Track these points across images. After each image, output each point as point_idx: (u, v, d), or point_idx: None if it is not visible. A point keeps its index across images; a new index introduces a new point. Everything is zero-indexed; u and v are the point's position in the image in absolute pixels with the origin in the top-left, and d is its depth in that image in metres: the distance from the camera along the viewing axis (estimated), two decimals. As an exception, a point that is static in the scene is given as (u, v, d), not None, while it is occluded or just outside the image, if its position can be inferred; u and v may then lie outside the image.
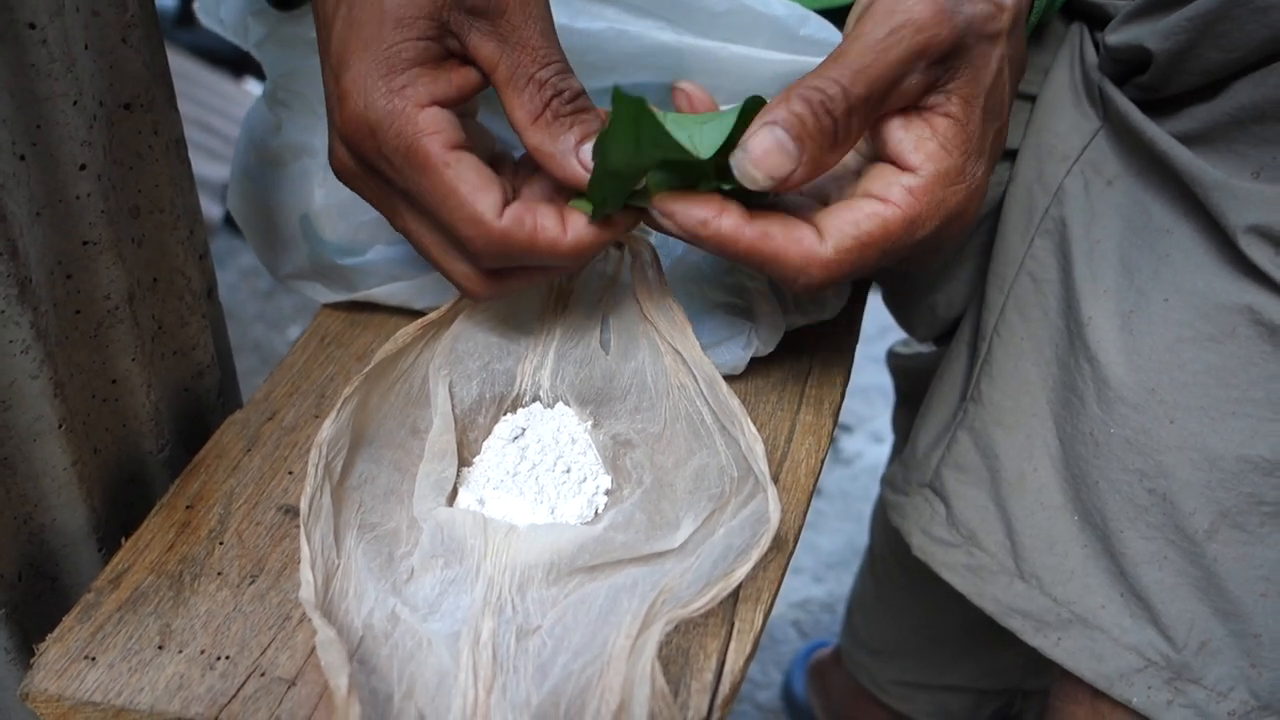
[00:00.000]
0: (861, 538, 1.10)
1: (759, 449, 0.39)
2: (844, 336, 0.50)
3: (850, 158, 0.44)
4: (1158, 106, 0.49)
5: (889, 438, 0.89)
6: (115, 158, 0.41)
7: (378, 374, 0.43)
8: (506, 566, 0.38)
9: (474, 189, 0.38)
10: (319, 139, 0.51)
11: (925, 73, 0.39)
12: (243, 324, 1.64)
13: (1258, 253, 0.44)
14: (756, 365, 0.48)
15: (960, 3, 0.39)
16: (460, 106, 0.40)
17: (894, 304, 0.61)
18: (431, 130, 0.38)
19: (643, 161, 0.38)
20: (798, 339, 0.49)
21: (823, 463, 0.44)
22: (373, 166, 0.40)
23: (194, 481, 0.44)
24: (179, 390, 0.49)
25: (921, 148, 0.39)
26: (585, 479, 0.42)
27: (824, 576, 1.12)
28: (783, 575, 0.39)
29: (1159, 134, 0.47)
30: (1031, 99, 0.53)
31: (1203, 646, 0.47)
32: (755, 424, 0.45)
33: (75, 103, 0.36)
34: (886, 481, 0.58)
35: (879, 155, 0.41)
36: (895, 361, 0.76)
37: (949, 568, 0.54)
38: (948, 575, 0.54)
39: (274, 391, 0.49)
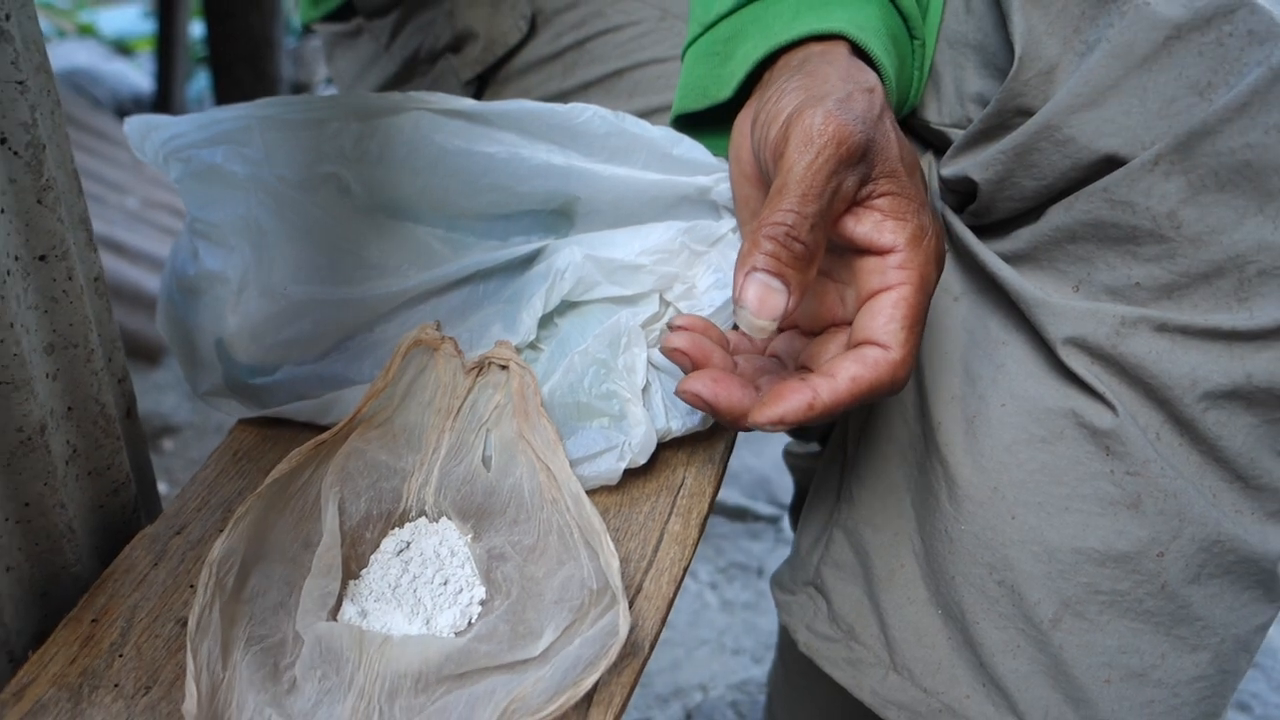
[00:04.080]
0: (801, 618, 1.11)
1: (615, 564, 0.42)
2: (717, 448, 0.54)
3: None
4: (991, 229, 0.54)
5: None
6: (30, 304, 0.45)
7: (275, 490, 0.47)
8: (379, 676, 0.41)
9: None
10: (231, 269, 0.55)
11: (854, 172, 0.44)
12: (180, 397, 1.66)
13: (1075, 362, 0.49)
14: (633, 475, 0.52)
15: (851, 108, 0.44)
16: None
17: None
18: None
19: None
20: (675, 450, 0.53)
21: (685, 570, 0.48)
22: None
23: (101, 595, 0.47)
24: (94, 508, 0.52)
25: (883, 229, 0.44)
26: (461, 590, 0.45)
27: (763, 658, 1.14)
28: (636, 679, 0.42)
29: (990, 256, 0.52)
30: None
31: None
32: (626, 533, 0.49)
33: (-14, 262, 0.40)
34: (775, 582, 0.62)
35: (846, 251, 0.46)
36: (790, 460, 0.80)
37: (831, 662, 0.57)
38: (830, 669, 0.57)
39: (185, 506, 0.52)
